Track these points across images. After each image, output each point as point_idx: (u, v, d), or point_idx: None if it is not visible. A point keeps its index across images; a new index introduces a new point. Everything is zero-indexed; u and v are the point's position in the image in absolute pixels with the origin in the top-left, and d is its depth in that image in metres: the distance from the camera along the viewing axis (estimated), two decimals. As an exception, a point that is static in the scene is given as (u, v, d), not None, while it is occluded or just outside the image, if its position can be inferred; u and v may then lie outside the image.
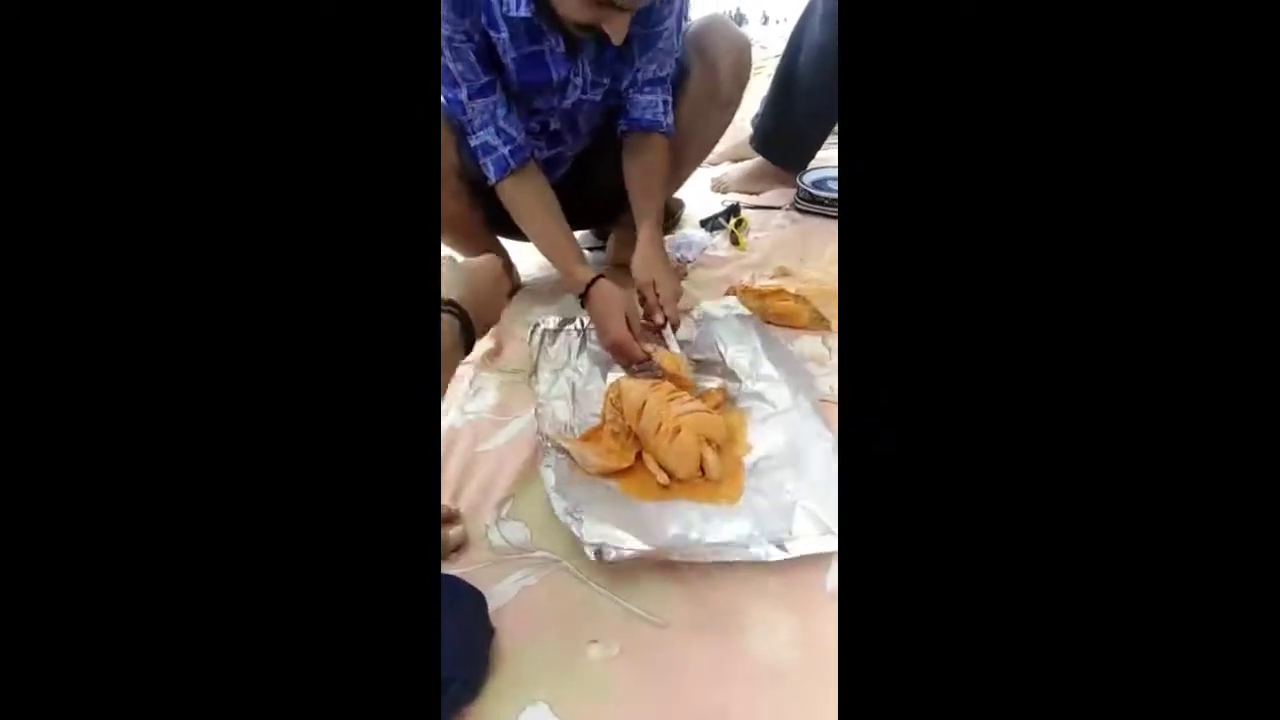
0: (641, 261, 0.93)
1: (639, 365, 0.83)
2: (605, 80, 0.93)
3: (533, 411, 0.81)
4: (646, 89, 0.96)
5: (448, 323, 0.53)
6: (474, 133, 0.91)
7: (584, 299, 0.90)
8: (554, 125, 0.97)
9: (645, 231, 0.95)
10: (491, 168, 0.92)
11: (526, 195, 0.95)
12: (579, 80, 0.91)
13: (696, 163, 1.15)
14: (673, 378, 0.79)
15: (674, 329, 0.89)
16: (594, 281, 0.89)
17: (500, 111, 0.89)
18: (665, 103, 0.97)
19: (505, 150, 0.91)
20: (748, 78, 1.06)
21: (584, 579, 0.63)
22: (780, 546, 0.60)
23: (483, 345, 1.02)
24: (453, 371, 0.56)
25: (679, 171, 1.13)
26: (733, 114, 1.08)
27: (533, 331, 0.93)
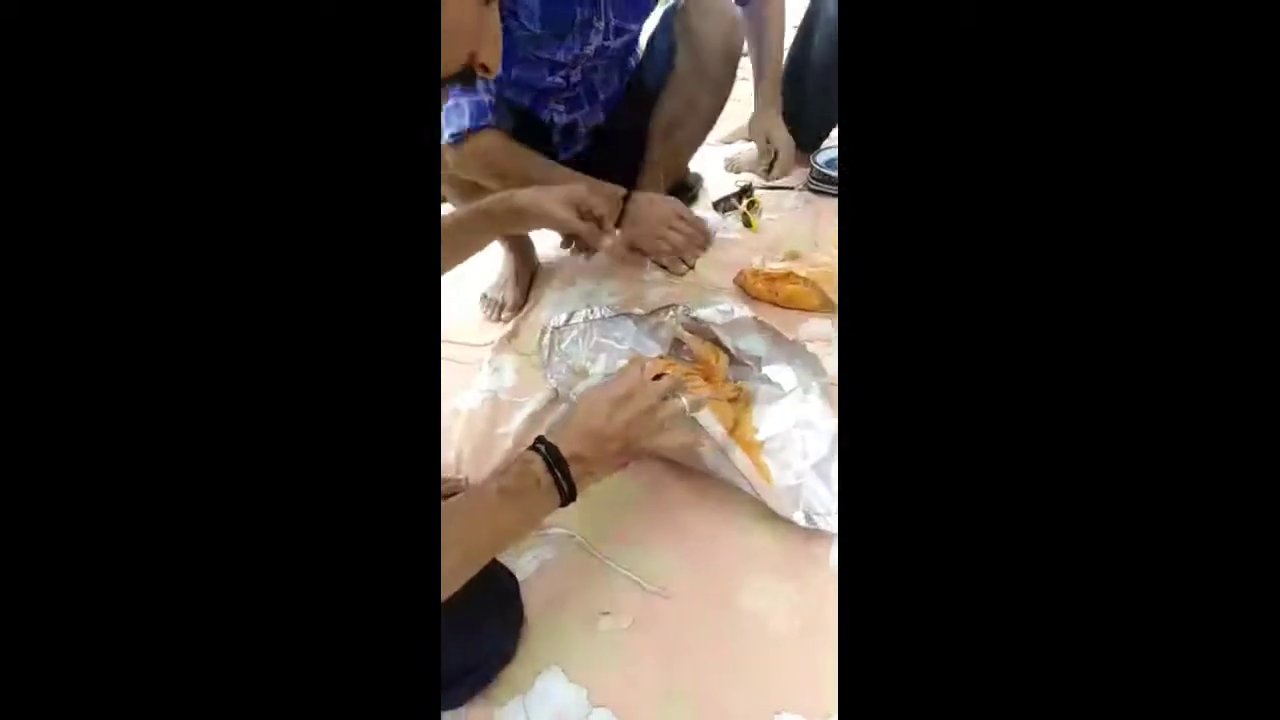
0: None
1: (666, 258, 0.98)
2: (630, 26, 0.92)
3: (548, 392, 0.85)
4: None
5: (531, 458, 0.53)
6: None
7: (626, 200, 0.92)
8: (574, 78, 0.95)
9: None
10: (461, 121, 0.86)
11: (500, 139, 0.89)
12: (601, 25, 0.89)
13: (693, 146, 1.13)
14: (706, 368, 0.80)
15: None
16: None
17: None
18: None
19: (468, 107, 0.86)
20: (739, 56, 1.02)
21: (597, 554, 0.67)
22: (809, 518, 0.66)
23: (499, 330, 1.05)
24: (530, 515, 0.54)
25: (677, 157, 1.11)
26: (726, 95, 1.05)
27: (542, 334, 0.92)
